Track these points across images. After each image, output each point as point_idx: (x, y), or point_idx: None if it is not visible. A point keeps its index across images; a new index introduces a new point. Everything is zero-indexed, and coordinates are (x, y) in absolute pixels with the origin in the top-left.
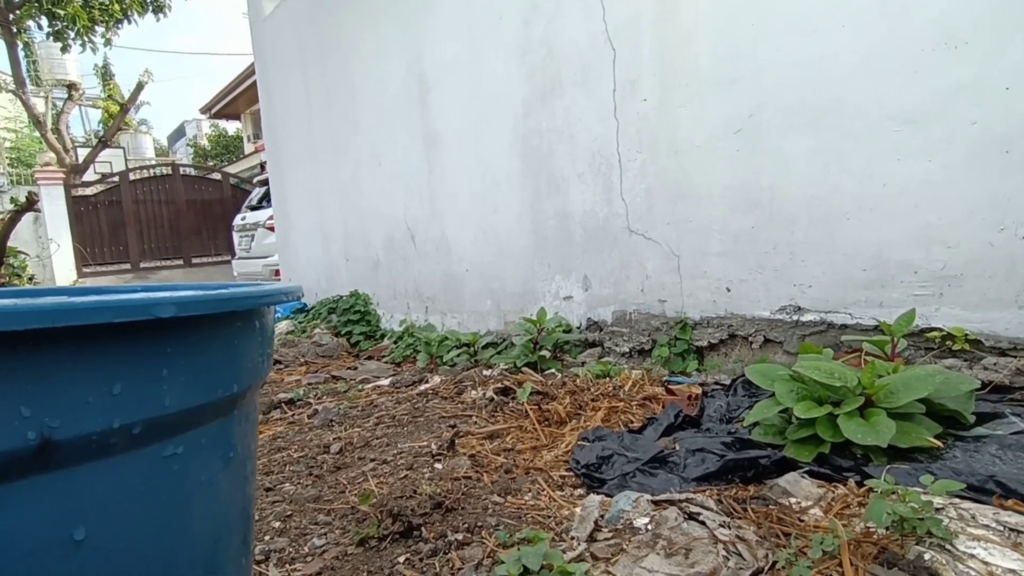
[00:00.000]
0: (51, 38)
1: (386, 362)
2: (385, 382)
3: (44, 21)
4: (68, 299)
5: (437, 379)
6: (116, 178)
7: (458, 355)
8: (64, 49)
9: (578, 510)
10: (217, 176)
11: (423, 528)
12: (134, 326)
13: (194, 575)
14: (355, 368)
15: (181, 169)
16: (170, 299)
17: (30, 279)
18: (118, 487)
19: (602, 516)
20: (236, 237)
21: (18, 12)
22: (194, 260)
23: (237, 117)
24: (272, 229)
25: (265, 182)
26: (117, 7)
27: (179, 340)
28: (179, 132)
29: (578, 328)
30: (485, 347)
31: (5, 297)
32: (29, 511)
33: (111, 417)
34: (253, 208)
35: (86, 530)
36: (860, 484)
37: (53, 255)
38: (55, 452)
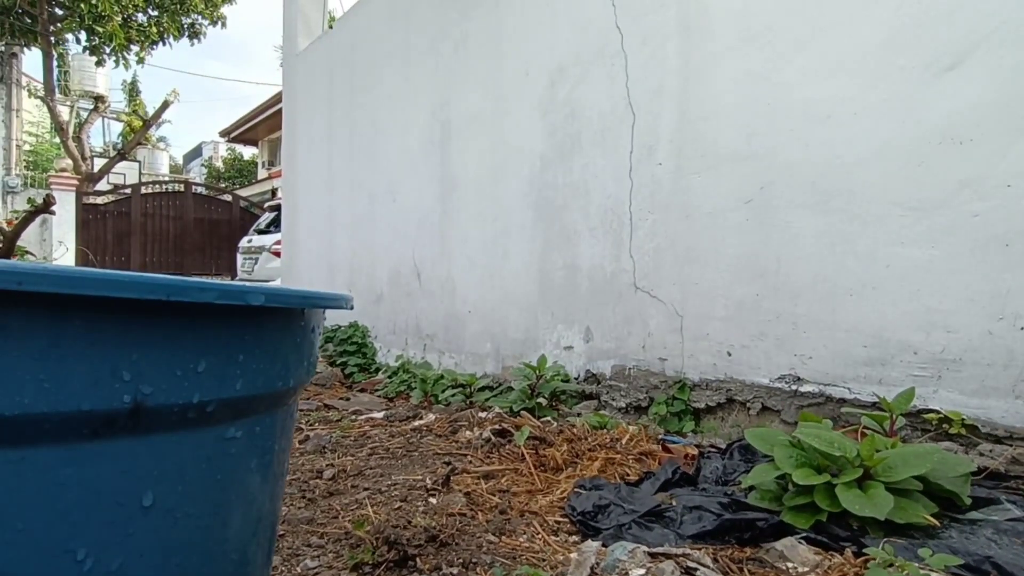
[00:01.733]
0: (87, 52)
1: (379, 396)
2: (378, 415)
3: (83, 35)
4: (181, 278)
5: (432, 416)
6: (128, 190)
7: (453, 395)
8: (99, 63)
9: (574, 555)
10: (228, 197)
11: (418, 559)
12: (224, 310)
13: (228, 571)
14: (347, 399)
15: (193, 187)
16: (260, 289)
17: None
18: (185, 460)
19: (598, 564)
20: (240, 259)
21: (59, 24)
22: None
23: (255, 143)
24: (277, 254)
25: (276, 208)
26: (155, 29)
27: (255, 329)
28: (195, 152)
29: (576, 379)
30: (481, 389)
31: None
32: (111, 470)
33: (193, 392)
34: (261, 232)
35: (153, 496)
36: (857, 555)
37: (59, 259)
38: (143, 417)
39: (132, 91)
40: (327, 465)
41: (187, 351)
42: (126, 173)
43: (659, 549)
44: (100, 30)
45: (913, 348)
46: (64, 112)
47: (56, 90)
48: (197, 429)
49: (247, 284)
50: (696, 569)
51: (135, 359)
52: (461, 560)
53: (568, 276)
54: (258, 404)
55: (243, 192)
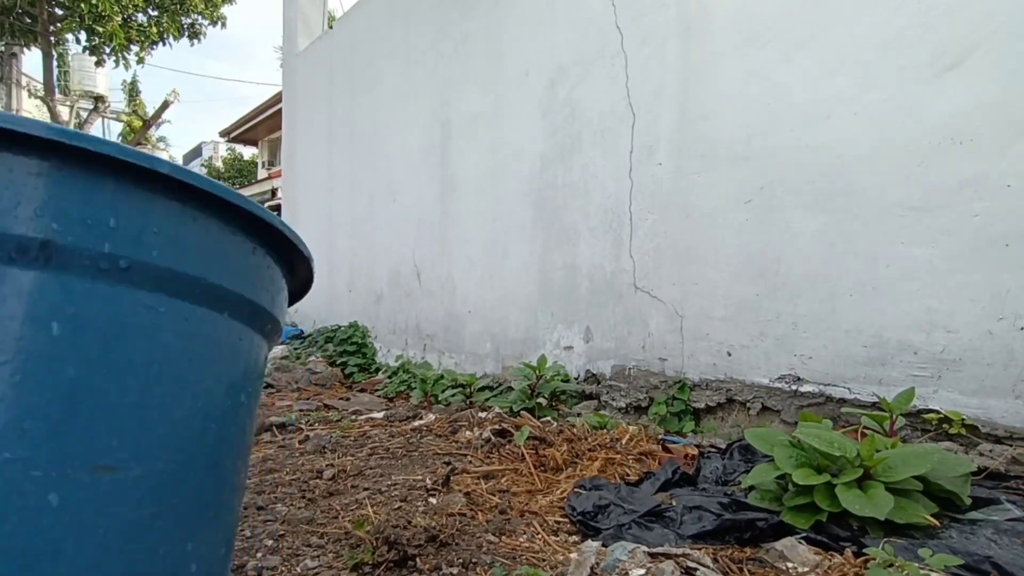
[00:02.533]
0: (87, 52)
1: (379, 395)
2: (378, 415)
3: (83, 35)
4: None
5: (432, 416)
6: None
7: (453, 395)
8: (99, 63)
9: (574, 555)
10: None
11: (418, 559)
12: (133, 174)
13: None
14: (348, 399)
15: None
16: (167, 162)
17: None
18: (99, 309)
19: (598, 564)
20: None
21: (59, 24)
22: None
23: (255, 143)
24: None
25: (276, 208)
26: (155, 29)
27: (176, 212)
28: (195, 152)
29: (576, 379)
30: (481, 389)
31: None
32: (23, 295)
33: (103, 242)
34: None
35: (60, 329)
36: (857, 555)
37: None
38: (54, 253)
39: (132, 91)
40: (327, 465)
41: (95, 204)
42: None
43: (659, 549)
44: (100, 30)
45: (913, 348)
46: (64, 112)
47: (56, 90)
48: (115, 284)
49: (156, 156)
50: (696, 569)
51: (46, 198)
52: (461, 560)
53: (568, 276)
54: (185, 286)
55: (243, 192)
